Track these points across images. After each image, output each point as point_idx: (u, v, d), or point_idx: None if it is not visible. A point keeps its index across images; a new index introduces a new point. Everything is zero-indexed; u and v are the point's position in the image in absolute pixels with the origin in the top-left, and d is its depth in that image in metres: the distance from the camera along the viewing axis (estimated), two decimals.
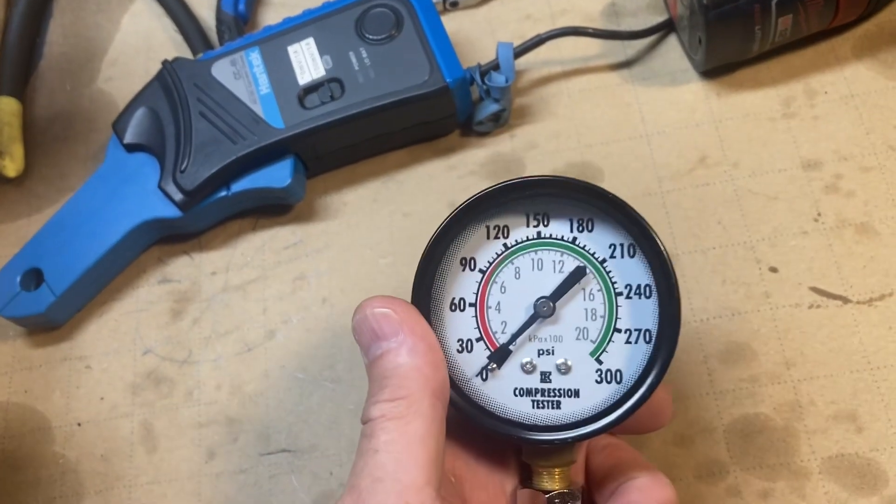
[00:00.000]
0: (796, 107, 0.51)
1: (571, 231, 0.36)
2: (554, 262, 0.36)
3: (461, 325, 0.36)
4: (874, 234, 0.47)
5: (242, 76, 0.51)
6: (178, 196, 0.49)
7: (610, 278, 0.35)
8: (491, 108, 0.52)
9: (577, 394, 0.35)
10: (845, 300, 0.46)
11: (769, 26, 0.48)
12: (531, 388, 0.35)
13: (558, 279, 0.35)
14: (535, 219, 0.36)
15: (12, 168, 0.56)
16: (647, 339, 0.35)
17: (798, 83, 0.51)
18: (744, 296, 0.46)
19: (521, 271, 0.36)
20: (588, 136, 0.52)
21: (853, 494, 0.42)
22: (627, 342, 0.35)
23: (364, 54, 0.51)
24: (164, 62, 0.52)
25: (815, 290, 0.46)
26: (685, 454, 0.44)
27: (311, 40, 0.52)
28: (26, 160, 0.57)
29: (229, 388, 0.49)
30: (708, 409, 0.44)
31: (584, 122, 0.53)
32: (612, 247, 0.35)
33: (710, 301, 0.47)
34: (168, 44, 0.60)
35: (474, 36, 0.57)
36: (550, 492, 0.35)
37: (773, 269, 0.47)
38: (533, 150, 0.52)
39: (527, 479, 0.36)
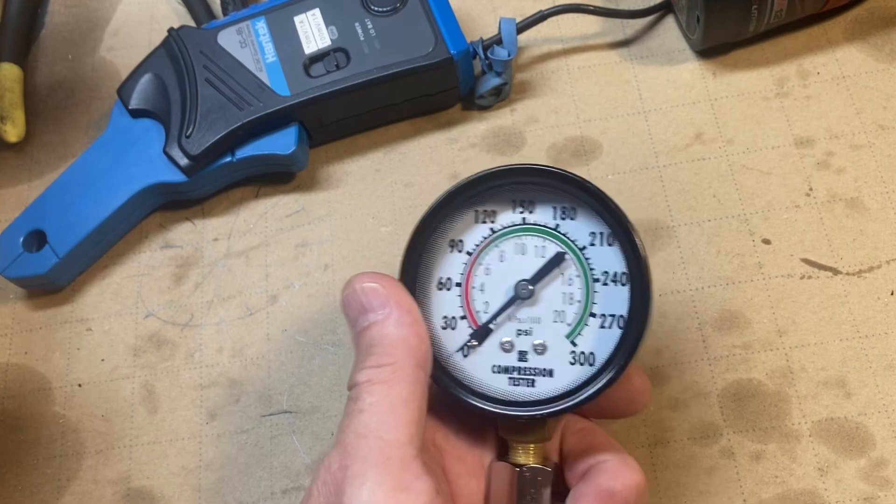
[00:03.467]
0: (789, 87, 0.52)
1: (555, 218, 0.37)
2: (536, 247, 0.37)
3: (447, 303, 0.37)
4: (864, 209, 0.48)
5: (248, 45, 0.52)
6: (183, 161, 0.50)
7: (588, 265, 0.36)
8: (493, 81, 0.53)
9: (551, 373, 0.36)
10: (835, 271, 0.47)
11: (765, 7, 0.50)
12: (508, 366, 0.37)
13: (539, 264, 0.37)
14: (521, 205, 0.37)
15: (14, 133, 0.56)
16: (621, 324, 0.36)
17: (791, 64, 0.53)
18: (738, 266, 0.48)
19: (505, 255, 0.37)
20: (587, 111, 0.53)
21: (841, 456, 0.43)
22: (602, 327, 0.36)
23: (369, 25, 0.51)
24: (171, 30, 0.53)
25: (806, 261, 0.48)
26: (680, 417, 0.45)
27: (317, 11, 0.52)
28: (28, 127, 0.57)
29: (231, 351, 0.49)
30: (702, 375, 0.46)
31: (584, 97, 0.54)
32: (593, 235, 0.37)
33: (706, 271, 0.48)
34: (171, 15, 0.61)
35: (475, 12, 0.58)
36: (523, 466, 0.36)
37: (766, 241, 0.48)
38: (533, 124, 0.53)
39: (503, 453, 0.37)
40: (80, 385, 0.49)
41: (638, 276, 0.35)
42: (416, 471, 0.31)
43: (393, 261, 0.50)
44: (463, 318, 0.37)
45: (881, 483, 0.42)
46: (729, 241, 0.48)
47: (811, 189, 0.49)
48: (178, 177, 0.50)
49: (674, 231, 0.49)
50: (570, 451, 0.38)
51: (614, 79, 0.54)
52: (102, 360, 0.50)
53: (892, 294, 0.46)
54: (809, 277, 0.47)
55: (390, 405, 0.32)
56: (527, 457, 0.36)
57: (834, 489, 0.42)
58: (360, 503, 0.30)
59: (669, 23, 0.55)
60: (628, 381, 0.37)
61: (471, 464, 0.38)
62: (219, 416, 0.48)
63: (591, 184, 0.35)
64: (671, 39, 0.55)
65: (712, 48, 0.53)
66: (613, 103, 0.53)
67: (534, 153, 0.53)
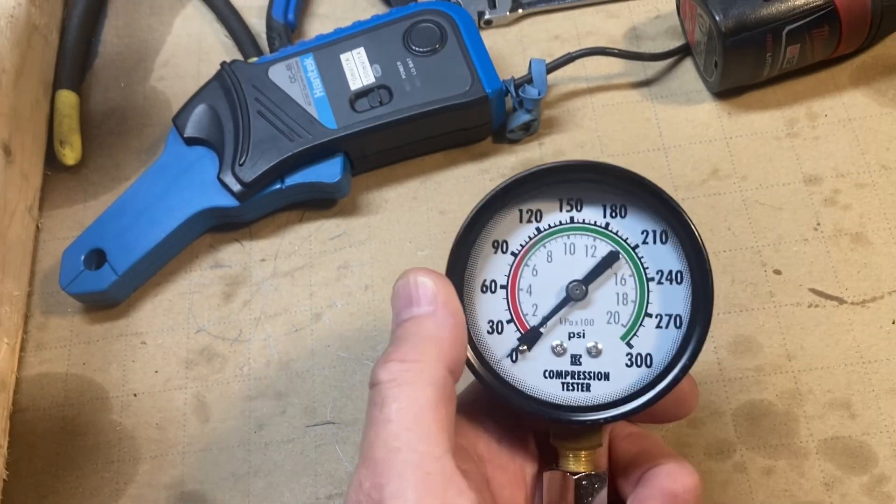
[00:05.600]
0: (799, 127, 0.56)
1: (604, 217, 0.36)
2: (586, 246, 0.36)
3: (492, 306, 0.36)
4: (868, 244, 0.52)
5: (297, 80, 0.56)
6: (236, 187, 0.54)
7: (642, 264, 0.36)
8: (523, 117, 0.56)
9: (606, 377, 0.36)
10: (841, 301, 0.51)
11: (779, 54, 0.54)
12: (561, 371, 0.36)
13: (590, 264, 0.36)
14: (568, 204, 0.36)
15: (71, 157, 0.59)
16: (678, 324, 0.35)
17: (801, 106, 0.57)
18: (750, 294, 0.51)
19: (553, 255, 0.36)
20: (610, 146, 0.57)
21: (846, 473, 0.47)
22: (658, 327, 0.35)
23: (411, 64, 0.55)
24: (223, 64, 0.57)
25: (814, 291, 0.51)
26: (696, 434, 0.48)
27: (361, 50, 0.56)
28: (83, 151, 0.61)
29: (277, 365, 0.53)
30: (717, 395, 0.49)
31: (607, 134, 0.58)
32: (645, 233, 0.36)
33: (720, 298, 0.51)
34: (218, 47, 0.65)
35: (506, 53, 0.62)
36: (578, 474, 0.36)
37: (777, 272, 0.52)
38: (559, 157, 0.57)
39: (553, 462, 0.37)
40: (135, 395, 0.53)
41: (700, 272, 0.34)
42: (458, 486, 0.30)
43: None
44: (509, 321, 0.36)
45: (883, 498, 0.46)
46: (742, 271, 0.52)
47: (819, 224, 0.53)
48: (231, 202, 0.54)
49: None
50: (622, 457, 0.37)
51: (636, 116, 0.58)
52: (156, 371, 0.53)
53: (893, 323, 0.50)
54: (817, 306, 0.51)
55: (417, 412, 0.30)
56: (578, 464, 0.36)
57: (839, 503, 0.46)
58: None
59: (687, 65, 0.59)
60: (678, 386, 0.35)
61: (513, 474, 0.38)
62: (266, 426, 0.51)
63: (646, 179, 0.35)
64: (689, 81, 0.59)
65: (727, 90, 0.57)
66: (635, 139, 0.57)
67: None
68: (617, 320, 0.36)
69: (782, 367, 0.49)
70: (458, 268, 0.36)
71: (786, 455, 0.47)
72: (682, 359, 0.34)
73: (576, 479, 0.36)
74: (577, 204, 0.36)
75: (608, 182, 0.36)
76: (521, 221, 0.37)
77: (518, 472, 0.38)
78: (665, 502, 0.34)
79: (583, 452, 0.36)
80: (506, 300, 0.36)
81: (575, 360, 0.36)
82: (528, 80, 0.56)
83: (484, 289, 0.37)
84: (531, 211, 0.37)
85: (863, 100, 0.57)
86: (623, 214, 0.36)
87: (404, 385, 0.31)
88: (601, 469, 0.36)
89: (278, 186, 0.54)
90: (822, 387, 0.49)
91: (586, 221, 0.36)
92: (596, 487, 0.36)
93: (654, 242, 0.36)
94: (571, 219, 0.36)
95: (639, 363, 0.36)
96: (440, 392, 0.31)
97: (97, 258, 0.54)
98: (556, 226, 0.36)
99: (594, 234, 0.36)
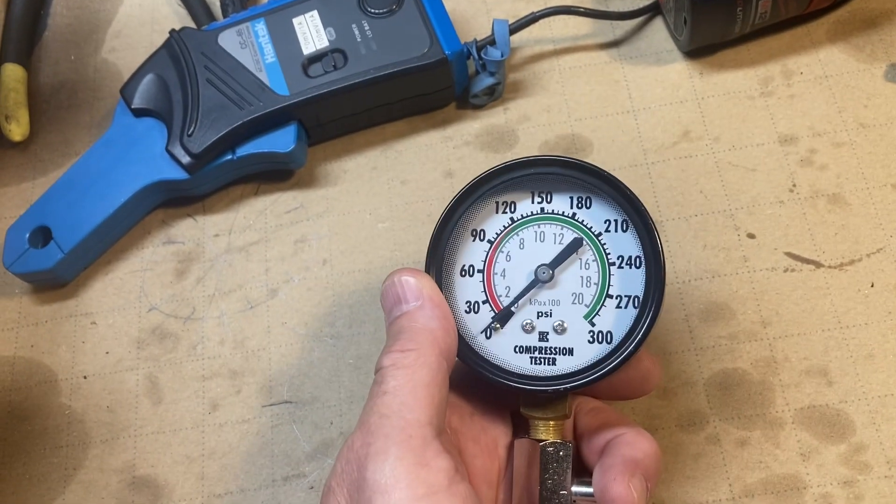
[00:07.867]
0: (774, 86, 0.54)
1: (571, 207, 0.39)
2: (555, 234, 0.39)
3: (469, 289, 0.40)
4: (845, 205, 0.50)
5: (248, 46, 0.53)
6: (185, 159, 0.51)
7: (604, 250, 0.39)
8: (486, 81, 0.54)
9: (570, 352, 0.39)
10: (818, 265, 0.49)
11: (750, 9, 0.51)
12: (530, 346, 0.39)
13: (558, 250, 0.39)
14: (539, 196, 0.40)
15: (18, 132, 0.57)
16: (636, 304, 0.38)
17: (776, 64, 0.55)
18: (723, 259, 0.49)
19: (525, 242, 0.40)
20: (578, 110, 0.55)
21: (823, 442, 0.45)
22: (618, 307, 0.38)
23: (366, 27, 0.53)
24: (172, 31, 0.54)
25: (789, 255, 0.49)
26: (668, 405, 0.46)
27: (315, 13, 0.54)
28: (31, 126, 0.58)
29: (232, 344, 0.51)
30: (689, 364, 0.47)
31: (575, 97, 0.55)
32: (608, 222, 0.39)
33: (692, 264, 0.49)
34: (172, 17, 0.62)
35: (469, 14, 0.59)
36: (545, 441, 0.38)
37: (751, 236, 0.50)
38: (525, 122, 0.55)
39: (524, 432, 0.39)
40: (85, 377, 0.51)
41: (653, 258, 0.37)
42: (436, 449, 0.33)
43: (391, 256, 0.52)
44: (485, 302, 0.39)
45: (860, 467, 0.44)
46: (715, 236, 0.50)
47: (794, 185, 0.51)
48: (180, 174, 0.52)
49: (662, 226, 0.51)
50: (585, 429, 0.40)
51: (604, 78, 0.56)
52: (107, 352, 0.51)
53: (871, 286, 0.48)
54: (793, 270, 0.49)
55: (412, 388, 0.34)
56: (547, 433, 0.38)
57: (815, 473, 0.44)
58: (383, 477, 0.32)
59: (658, 24, 0.57)
60: (640, 363, 0.39)
61: (485, 445, 0.40)
62: (221, 407, 0.49)
63: (608, 173, 0.38)
64: (659, 40, 0.56)
65: (699, 49, 0.55)
66: (603, 102, 0.55)
67: (526, 151, 0.54)
68: (581, 301, 0.39)
69: (757, 335, 0.47)
70: (438, 255, 0.39)
71: (760, 425, 0.45)
72: (637, 335, 0.37)
73: (542, 446, 0.38)
74: (548, 196, 0.40)
75: (574, 175, 0.39)
76: (496, 212, 0.40)
77: (491, 443, 0.40)
78: (628, 468, 0.37)
79: (551, 423, 0.38)
80: (482, 283, 0.40)
81: (542, 336, 0.39)
82: (490, 41, 0.54)
83: (463, 273, 0.40)
84: (506, 202, 0.40)
85: (840, 56, 0.54)
86: (588, 205, 0.39)
87: (402, 367, 0.34)
88: (568, 440, 0.39)
89: (229, 157, 0.52)
90: (798, 354, 0.47)
91: (555, 212, 0.40)
92: (562, 455, 0.38)
93: (616, 230, 0.39)
94: (542, 209, 0.40)
95: (600, 340, 0.38)
96: (434, 374, 0.35)
97: (42, 236, 0.52)
98: (528, 216, 0.40)
99: (562, 224, 0.39)
